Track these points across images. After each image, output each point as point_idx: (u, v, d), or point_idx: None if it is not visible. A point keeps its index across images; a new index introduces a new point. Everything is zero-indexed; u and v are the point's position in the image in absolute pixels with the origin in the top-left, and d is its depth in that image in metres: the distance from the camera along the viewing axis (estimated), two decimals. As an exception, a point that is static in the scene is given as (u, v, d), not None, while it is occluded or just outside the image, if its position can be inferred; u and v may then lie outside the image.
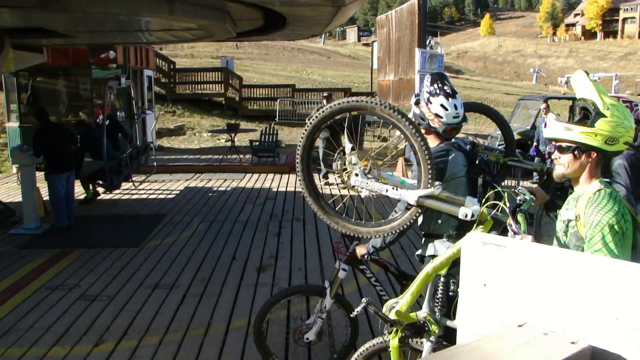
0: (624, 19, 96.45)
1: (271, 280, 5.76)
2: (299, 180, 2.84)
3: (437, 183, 2.64)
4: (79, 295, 5.39)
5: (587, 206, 2.15)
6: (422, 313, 2.61)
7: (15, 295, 5.39)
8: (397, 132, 2.56)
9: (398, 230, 2.69)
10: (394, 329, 2.66)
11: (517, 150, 4.89)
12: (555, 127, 2.24)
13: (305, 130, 2.74)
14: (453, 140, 3.14)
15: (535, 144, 11.94)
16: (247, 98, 23.26)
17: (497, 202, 2.49)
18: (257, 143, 13.27)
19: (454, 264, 2.41)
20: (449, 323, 2.55)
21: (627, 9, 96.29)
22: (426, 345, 2.62)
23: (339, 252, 3.64)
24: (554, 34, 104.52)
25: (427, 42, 16.83)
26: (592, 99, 2.16)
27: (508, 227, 2.42)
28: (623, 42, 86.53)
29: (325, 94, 12.46)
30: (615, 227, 2.07)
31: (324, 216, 2.87)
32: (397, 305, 2.62)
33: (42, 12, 5.03)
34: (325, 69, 42.52)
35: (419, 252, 3.30)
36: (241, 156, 13.50)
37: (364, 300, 2.68)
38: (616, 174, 3.94)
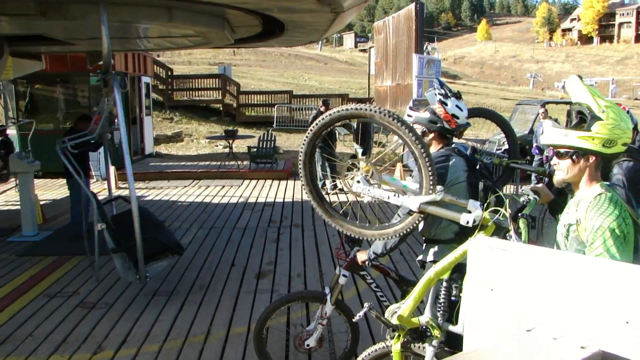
0: (620, 24, 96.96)
1: (270, 287, 5.74)
2: (303, 185, 2.85)
3: (439, 188, 2.64)
4: (77, 303, 5.35)
5: (588, 210, 2.13)
6: (425, 318, 2.59)
7: (13, 303, 5.36)
8: (395, 137, 2.57)
9: (401, 234, 2.69)
10: (396, 334, 2.65)
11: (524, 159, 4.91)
12: (552, 133, 2.24)
13: (307, 137, 2.75)
14: (453, 145, 3.16)
15: (535, 144, 12.02)
16: (244, 104, 23.28)
17: (499, 208, 2.46)
18: (255, 149, 13.26)
19: (457, 268, 2.39)
20: (451, 328, 2.52)
21: (623, 14, 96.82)
22: (428, 350, 2.60)
23: (339, 258, 3.63)
24: (551, 38, 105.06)
25: (424, 47, 16.87)
26: (587, 103, 2.15)
27: (508, 237, 2.40)
28: (619, 47, 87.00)
29: (323, 100, 12.48)
30: (617, 231, 2.05)
31: (329, 219, 2.86)
32: (399, 310, 2.59)
33: (42, 19, 5.03)
34: (322, 75, 42.62)
35: (420, 257, 3.30)
36: (239, 162, 13.50)
37: (366, 305, 2.66)
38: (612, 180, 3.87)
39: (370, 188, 2.73)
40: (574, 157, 2.20)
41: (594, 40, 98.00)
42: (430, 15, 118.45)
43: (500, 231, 2.43)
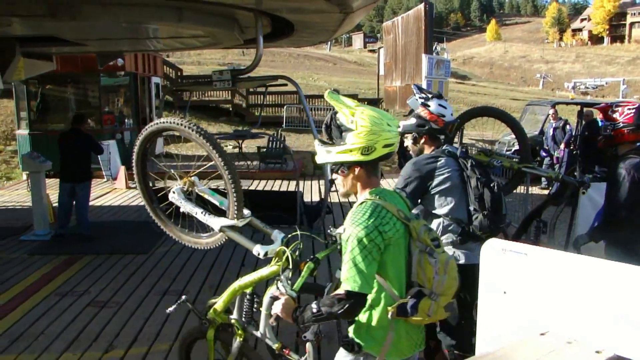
0: (631, 24, 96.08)
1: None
2: (135, 184, 3.28)
3: (246, 213, 2.84)
4: (88, 302, 5.39)
5: (348, 218, 2.15)
6: (232, 318, 2.96)
7: (25, 302, 5.41)
8: None
9: (209, 247, 3.04)
10: (210, 325, 3.04)
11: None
12: (319, 152, 2.24)
13: (136, 143, 3.11)
14: (444, 147, 3.19)
15: (546, 147, 11.99)
16: (253, 105, 23.30)
17: (296, 244, 2.57)
18: (265, 149, 13.27)
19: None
20: (254, 332, 2.87)
21: (634, 14, 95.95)
22: (234, 344, 2.95)
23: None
24: (561, 39, 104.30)
25: (434, 48, 16.84)
26: (339, 116, 2.16)
27: (276, 282, 2.44)
28: (630, 47, 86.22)
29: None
30: (364, 240, 2.04)
31: (155, 218, 3.20)
32: (215, 305, 2.99)
33: (53, 20, 5.06)
34: (331, 76, 42.60)
35: None
36: (249, 163, 13.52)
37: (183, 297, 3.10)
38: (614, 181, 3.63)
39: (183, 201, 2.96)
40: (340, 171, 2.23)
41: (605, 40, 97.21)
42: (439, 15, 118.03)
43: (294, 268, 2.49)
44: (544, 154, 12.23)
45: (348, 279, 2.05)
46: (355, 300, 2.05)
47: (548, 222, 4.39)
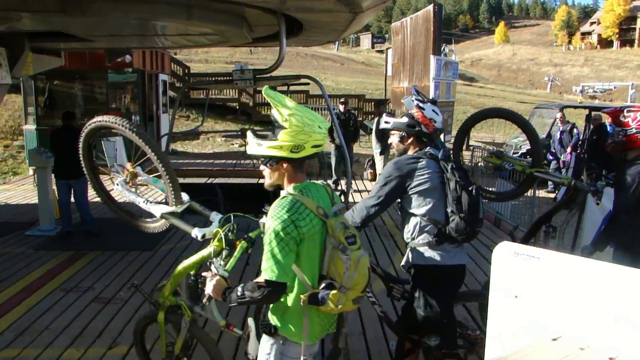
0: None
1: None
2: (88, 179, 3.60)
3: (185, 198, 3.11)
4: (93, 298, 5.40)
5: (269, 212, 2.32)
6: (179, 300, 3.15)
7: (30, 297, 5.42)
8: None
9: (154, 232, 3.32)
10: (160, 308, 3.25)
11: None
12: (250, 144, 2.39)
13: (79, 143, 3.39)
14: (427, 149, 3.22)
15: (553, 150, 11.94)
16: (260, 103, 23.28)
17: (231, 224, 2.83)
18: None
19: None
20: (200, 311, 3.09)
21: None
22: (182, 324, 3.17)
23: None
24: (570, 42, 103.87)
25: (442, 49, 16.77)
26: (273, 112, 2.31)
27: (209, 263, 2.68)
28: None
29: (341, 100, 12.44)
30: (281, 233, 2.22)
31: (111, 209, 3.53)
32: (162, 288, 3.22)
33: (62, 16, 5.06)
34: (339, 76, 42.55)
35: (402, 262, 3.36)
36: (254, 161, 13.50)
37: (135, 282, 3.43)
38: (620, 186, 3.65)
39: (126, 192, 3.22)
40: (268, 164, 2.38)
41: (614, 44, 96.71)
42: (448, 17, 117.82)
43: (230, 247, 2.73)
44: (550, 157, 12.18)
45: (266, 269, 2.24)
46: (274, 289, 2.25)
47: (558, 227, 4.34)
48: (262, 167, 2.44)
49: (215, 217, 2.94)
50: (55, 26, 6.31)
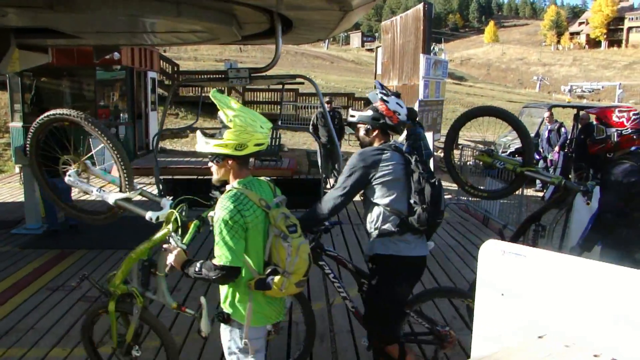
0: (629, 28, 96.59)
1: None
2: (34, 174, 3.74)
3: (137, 186, 3.23)
4: (79, 297, 5.35)
5: (217, 204, 2.52)
6: (131, 287, 3.23)
7: (16, 296, 5.36)
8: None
9: (107, 221, 3.47)
10: (111, 297, 3.30)
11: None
12: (199, 143, 2.56)
13: (29, 137, 3.44)
14: (392, 142, 3.28)
15: (540, 150, 12.01)
16: (250, 102, 23.23)
17: (182, 205, 3.01)
18: (260, 147, 13.20)
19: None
20: (150, 296, 3.21)
21: (632, 18, 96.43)
22: (134, 311, 3.24)
23: None
24: (558, 42, 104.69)
25: (432, 48, 16.80)
26: (219, 114, 2.47)
27: (168, 238, 2.88)
28: (627, 51, 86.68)
29: (327, 100, 12.44)
30: (229, 222, 2.42)
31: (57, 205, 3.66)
32: (113, 277, 3.29)
33: (49, 12, 5.00)
34: (328, 74, 42.54)
35: (365, 252, 3.39)
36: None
37: (85, 273, 3.46)
38: (609, 181, 3.65)
39: (78, 182, 3.32)
40: (215, 161, 2.57)
41: (602, 44, 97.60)
42: (437, 16, 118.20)
43: (182, 229, 2.92)
44: (537, 157, 12.25)
45: (220, 256, 2.45)
46: (228, 272, 2.47)
47: (547, 226, 4.36)
48: (209, 164, 2.61)
49: (166, 202, 3.08)
50: (42, 22, 6.24)
